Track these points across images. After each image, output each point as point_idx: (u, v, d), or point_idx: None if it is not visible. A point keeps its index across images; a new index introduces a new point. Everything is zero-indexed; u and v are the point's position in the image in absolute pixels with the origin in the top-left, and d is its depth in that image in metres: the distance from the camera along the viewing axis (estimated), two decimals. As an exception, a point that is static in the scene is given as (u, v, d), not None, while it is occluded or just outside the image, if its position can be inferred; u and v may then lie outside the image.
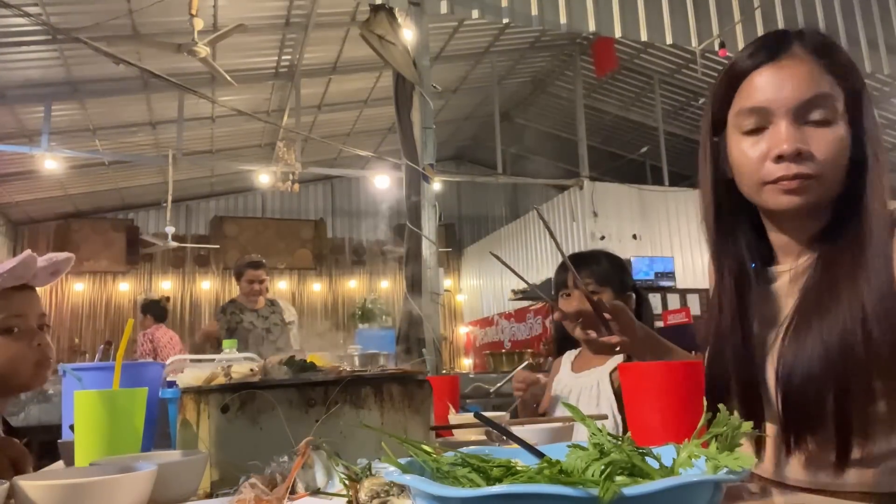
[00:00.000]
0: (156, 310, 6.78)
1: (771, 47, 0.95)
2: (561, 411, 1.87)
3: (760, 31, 5.77)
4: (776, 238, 1.03)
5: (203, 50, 5.04)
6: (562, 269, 2.04)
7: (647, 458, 0.52)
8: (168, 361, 1.53)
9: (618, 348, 1.16)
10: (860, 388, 0.86)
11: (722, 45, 5.50)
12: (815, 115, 0.91)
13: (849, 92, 0.92)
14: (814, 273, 0.95)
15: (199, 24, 4.99)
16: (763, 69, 0.94)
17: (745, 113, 0.95)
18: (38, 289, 1.43)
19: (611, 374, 1.86)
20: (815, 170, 0.90)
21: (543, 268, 9.96)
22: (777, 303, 1.01)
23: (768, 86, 0.93)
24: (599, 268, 1.95)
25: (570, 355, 2.10)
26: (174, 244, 8.47)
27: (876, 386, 0.87)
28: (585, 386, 1.90)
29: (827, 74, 0.91)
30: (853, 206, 0.92)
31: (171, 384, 1.34)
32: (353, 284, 12.43)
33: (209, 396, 0.84)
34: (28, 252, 1.32)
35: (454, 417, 1.49)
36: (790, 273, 1.00)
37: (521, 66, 9.88)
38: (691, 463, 0.53)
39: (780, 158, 0.91)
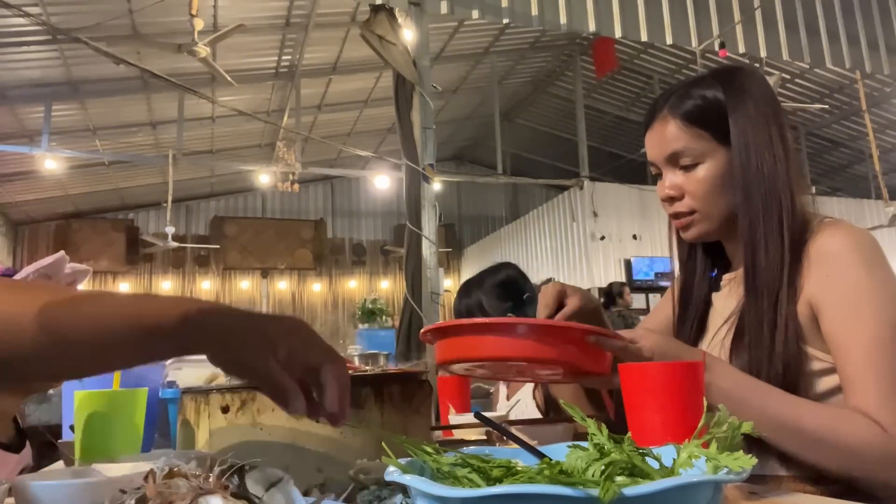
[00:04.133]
0: None
1: (650, 112, 1.14)
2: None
3: (760, 31, 5.76)
4: (728, 248, 1.16)
5: (203, 50, 5.04)
6: (464, 295, 2.01)
7: (647, 459, 0.52)
8: (168, 362, 1.53)
9: None
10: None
11: (722, 45, 5.50)
12: (684, 161, 1.06)
13: (714, 130, 1.05)
14: (742, 284, 1.06)
15: (199, 24, 5.00)
16: (648, 131, 1.13)
17: (650, 164, 1.14)
18: None
19: (533, 392, 1.79)
20: (691, 206, 1.06)
21: (543, 268, 9.96)
22: (720, 309, 1.12)
23: (649, 145, 1.12)
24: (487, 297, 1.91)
25: (503, 384, 2.05)
26: (174, 244, 8.48)
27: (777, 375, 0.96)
28: (516, 411, 1.82)
29: (687, 125, 1.06)
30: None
31: (171, 384, 1.34)
32: (353, 284, 12.43)
33: (209, 396, 0.84)
34: (62, 253, 1.33)
35: (454, 417, 1.49)
36: (732, 281, 1.12)
37: (521, 67, 9.88)
38: (691, 463, 0.53)
39: (663, 202, 1.11)
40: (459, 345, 0.93)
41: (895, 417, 0.88)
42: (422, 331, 0.99)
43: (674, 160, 1.07)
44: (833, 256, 0.97)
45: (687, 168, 1.06)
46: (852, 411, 0.91)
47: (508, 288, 1.92)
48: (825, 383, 0.97)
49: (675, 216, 1.09)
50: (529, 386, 1.83)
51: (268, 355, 0.61)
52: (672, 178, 1.08)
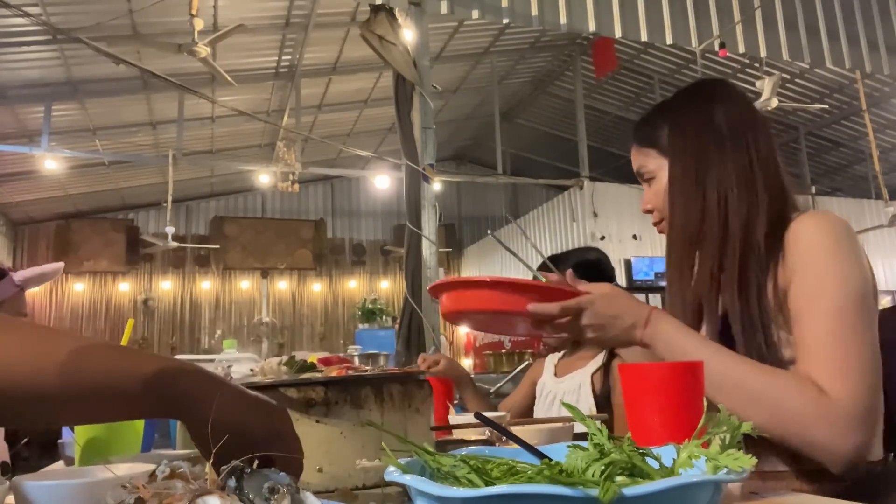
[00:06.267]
0: None
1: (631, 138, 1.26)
2: (556, 412, 1.87)
3: (760, 31, 5.76)
4: None
5: (203, 50, 5.04)
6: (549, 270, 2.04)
7: (647, 459, 0.53)
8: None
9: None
10: None
11: (722, 45, 5.49)
12: (647, 177, 1.20)
13: (659, 147, 1.17)
14: None
15: (199, 24, 4.99)
16: None
17: None
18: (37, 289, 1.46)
19: (592, 375, 1.85)
20: (658, 216, 1.20)
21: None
22: None
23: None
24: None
25: (552, 359, 2.09)
26: (174, 244, 8.47)
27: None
28: (568, 390, 1.90)
29: (639, 146, 1.20)
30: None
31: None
32: (353, 284, 12.43)
33: (209, 396, 0.84)
34: (61, 264, 1.33)
35: (454, 418, 1.49)
36: None
37: (521, 67, 9.88)
38: (691, 463, 0.53)
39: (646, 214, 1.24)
40: (457, 298, 1.08)
41: (836, 382, 0.91)
42: (429, 287, 1.14)
43: (641, 175, 1.21)
44: (802, 240, 1.01)
45: (650, 182, 1.20)
46: (796, 374, 0.95)
47: (592, 269, 1.93)
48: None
49: (655, 225, 1.23)
50: (589, 369, 1.86)
51: (235, 453, 0.57)
52: (646, 193, 1.22)
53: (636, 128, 1.22)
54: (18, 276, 1.43)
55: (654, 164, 1.17)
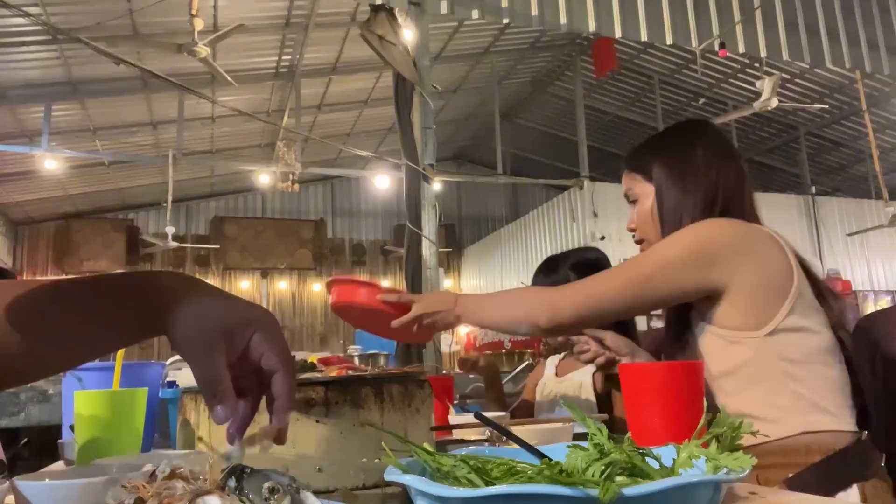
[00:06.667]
0: None
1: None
2: (557, 412, 1.88)
3: (760, 31, 5.76)
4: None
5: (203, 50, 5.04)
6: (550, 270, 2.07)
7: (647, 459, 0.53)
8: (168, 362, 1.54)
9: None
10: None
11: (722, 45, 5.49)
12: (632, 199, 1.36)
13: (645, 173, 1.32)
14: None
15: (199, 24, 4.99)
16: None
17: None
18: None
19: (593, 374, 1.87)
20: (640, 235, 1.35)
21: (543, 268, 9.95)
22: None
23: None
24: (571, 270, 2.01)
25: (553, 360, 2.13)
26: (174, 244, 8.47)
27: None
28: (568, 390, 1.92)
29: (629, 171, 1.36)
30: None
31: (172, 384, 1.34)
32: (353, 284, 12.42)
33: (209, 396, 0.84)
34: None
35: (454, 418, 1.49)
36: None
37: (521, 67, 9.88)
38: (691, 463, 0.53)
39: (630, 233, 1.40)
40: (338, 292, 1.40)
41: (567, 291, 1.23)
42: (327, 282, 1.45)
43: (628, 199, 1.37)
44: None
45: (634, 205, 1.35)
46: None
47: (591, 269, 1.97)
48: (731, 355, 1.13)
49: (637, 243, 1.37)
50: (589, 368, 1.89)
51: (218, 342, 0.55)
52: (631, 214, 1.37)
53: (629, 154, 1.38)
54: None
55: (640, 189, 1.33)
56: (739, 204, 1.25)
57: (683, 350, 1.20)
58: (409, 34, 4.50)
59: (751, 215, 1.25)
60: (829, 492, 1.00)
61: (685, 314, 1.22)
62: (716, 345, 1.14)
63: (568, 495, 0.44)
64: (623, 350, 1.31)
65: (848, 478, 1.04)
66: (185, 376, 1.24)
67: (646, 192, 1.31)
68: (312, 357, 1.01)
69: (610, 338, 1.32)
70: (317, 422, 0.81)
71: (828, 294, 1.19)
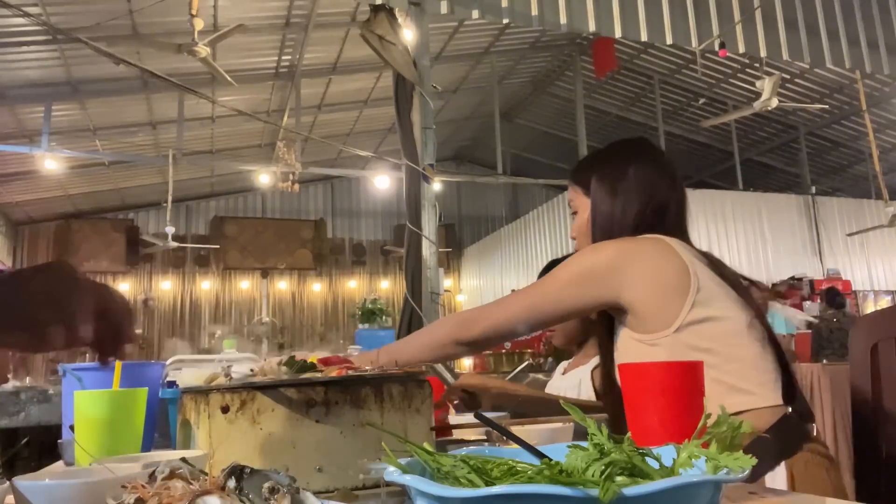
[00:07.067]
0: None
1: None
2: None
3: (760, 31, 5.76)
4: None
5: (203, 50, 5.04)
6: None
7: (647, 459, 0.52)
8: (168, 362, 1.53)
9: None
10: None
11: (722, 45, 5.49)
12: (573, 210, 1.44)
13: (584, 186, 1.39)
14: None
15: (199, 24, 4.99)
16: None
17: None
18: None
19: (592, 371, 1.89)
20: (578, 245, 1.43)
21: (543, 268, 9.96)
22: None
23: None
24: None
25: (563, 365, 2.17)
26: (174, 244, 8.47)
27: None
28: (569, 387, 1.95)
29: (573, 185, 1.43)
30: None
31: (171, 384, 1.34)
32: (353, 284, 12.43)
33: (209, 396, 0.83)
34: None
35: (454, 418, 1.49)
36: None
37: (521, 67, 9.88)
38: (691, 463, 0.53)
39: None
40: None
41: (477, 312, 1.34)
42: None
43: (570, 209, 1.45)
44: None
45: (574, 216, 1.43)
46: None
47: None
48: (637, 351, 1.22)
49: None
50: (589, 365, 1.94)
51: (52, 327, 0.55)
52: (572, 224, 1.45)
53: (573, 168, 1.46)
54: None
55: (580, 202, 1.41)
56: (672, 218, 1.33)
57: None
58: (409, 34, 4.50)
59: (678, 228, 1.33)
60: (757, 475, 1.04)
61: (611, 326, 1.33)
62: (638, 350, 1.22)
63: (568, 495, 0.43)
64: (476, 387, 1.61)
65: (774, 456, 1.08)
66: (185, 376, 1.24)
67: (584, 204, 1.40)
68: (312, 357, 1.02)
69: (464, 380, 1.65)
70: (317, 422, 0.81)
71: (739, 284, 1.26)
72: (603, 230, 1.34)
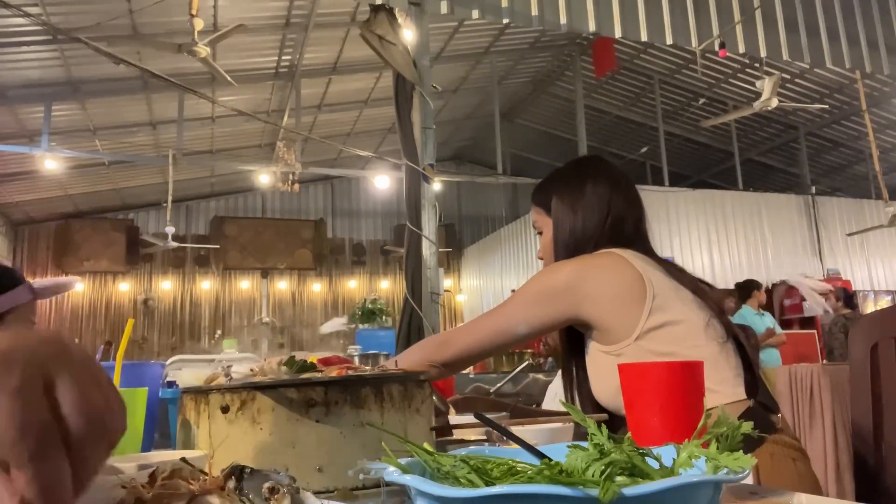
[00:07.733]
0: None
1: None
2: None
3: (760, 31, 5.76)
4: None
5: (203, 50, 5.04)
6: None
7: (647, 459, 0.52)
8: (168, 362, 1.54)
9: None
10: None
11: (722, 45, 5.49)
12: (538, 231, 1.48)
13: (546, 206, 1.44)
14: None
15: (199, 24, 4.99)
16: None
17: None
18: None
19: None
20: (545, 264, 1.45)
21: (543, 268, 9.95)
22: None
23: None
24: None
25: None
26: (174, 244, 8.48)
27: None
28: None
29: (535, 206, 1.48)
30: None
31: (171, 384, 1.34)
32: (353, 284, 12.43)
33: (209, 396, 0.83)
34: (75, 279, 1.34)
35: (454, 418, 1.49)
36: None
37: (521, 67, 9.88)
38: (691, 463, 0.53)
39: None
40: None
41: (452, 334, 1.39)
42: None
43: (535, 230, 1.49)
44: None
45: (539, 236, 1.48)
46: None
47: None
48: (605, 363, 1.27)
49: None
50: None
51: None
52: (539, 245, 1.49)
53: (534, 190, 1.51)
54: (36, 284, 1.45)
55: (543, 222, 1.46)
56: (629, 231, 1.39)
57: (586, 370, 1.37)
58: (409, 34, 4.50)
59: (637, 240, 1.38)
60: None
61: (573, 341, 1.39)
62: (605, 361, 1.27)
63: (568, 495, 0.43)
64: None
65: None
66: (185, 376, 1.24)
67: (547, 224, 1.45)
68: (312, 357, 1.02)
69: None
70: (317, 422, 0.81)
71: (697, 287, 1.31)
72: (566, 246, 1.39)
